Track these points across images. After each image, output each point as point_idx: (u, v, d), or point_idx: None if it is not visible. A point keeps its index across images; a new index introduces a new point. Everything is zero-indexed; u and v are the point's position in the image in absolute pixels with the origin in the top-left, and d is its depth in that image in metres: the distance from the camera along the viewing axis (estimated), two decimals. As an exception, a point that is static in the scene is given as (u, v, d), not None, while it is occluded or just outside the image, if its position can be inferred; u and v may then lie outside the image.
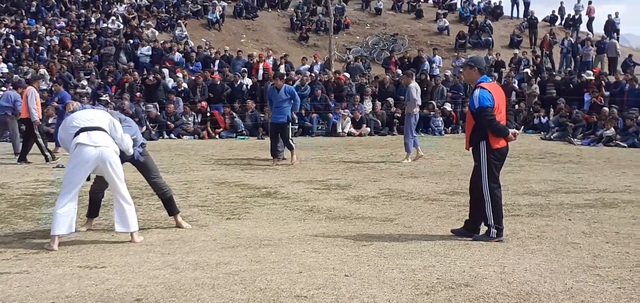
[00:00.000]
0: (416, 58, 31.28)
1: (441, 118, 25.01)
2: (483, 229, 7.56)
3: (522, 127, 24.52)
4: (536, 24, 37.13)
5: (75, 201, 7.34)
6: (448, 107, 25.53)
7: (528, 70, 28.90)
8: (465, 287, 5.64)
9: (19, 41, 30.18)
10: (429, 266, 6.33)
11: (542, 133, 23.75)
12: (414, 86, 16.10)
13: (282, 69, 28.15)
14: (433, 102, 25.45)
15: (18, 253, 7.04)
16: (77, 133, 7.34)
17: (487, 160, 7.42)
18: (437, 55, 31.81)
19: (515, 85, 27.42)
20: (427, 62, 30.40)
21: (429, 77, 27.47)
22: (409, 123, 15.81)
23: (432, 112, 24.99)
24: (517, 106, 26.11)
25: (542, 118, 24.86)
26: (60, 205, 7.22)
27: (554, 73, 29.31)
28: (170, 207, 8.38)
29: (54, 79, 26.22)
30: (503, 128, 7.48)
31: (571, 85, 26.02)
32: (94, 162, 7.26)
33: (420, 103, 16.24)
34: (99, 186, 8.08)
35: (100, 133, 7.38)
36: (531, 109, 25.71)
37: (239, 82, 26.39)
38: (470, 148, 7.62)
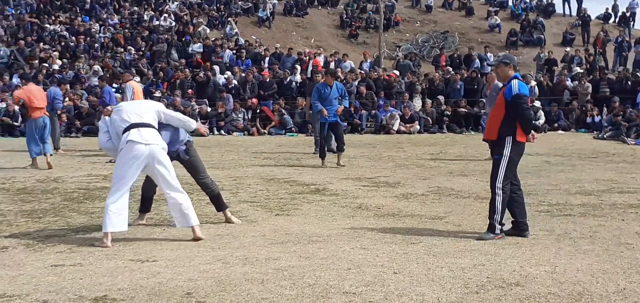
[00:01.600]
0: (466, 56, 31.02)
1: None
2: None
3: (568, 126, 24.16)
4: (589, 22, 36.46)
5: (127, 198, 7.34)
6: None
7: (579, 68, 28.43)
8: (515, 286, 5.58)
9: (73, 38, 30.72)
10: (479, 265, 6.28)
11: (595, 132, 23.34)
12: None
13: (332, 66, 28.20)
14: (483, 100, 25.19)
15: (72, 246, 7.17)
16: (127, 129, 7.32)
17: (509, 156, 7.42)
18: (488, 52, 31.46)
19: (568, 83, 27.00)
20: (477, 60, 30.10)
21: (479, 75, 27.21)
22: None
23: (482, 111, 24.74)
24: (569, 105, 25.73)
25: (595, 117, 24.44)
26: (111, 202, 7.21)
27: (607, 72, 28.76)
28: (218, 204, 8.40)
29: (105, 76, 26.70)
30: (531, 122, 7.60)
31: (627, 84, 25.54)
32: (144, 160, 7.24)
33: None
34: (150, 184, 8.10)
35: (151, 130, 7.37)
36: (584, 108, 25.30)
37: (288, 79, 26.49)
38: (491, 141, 7.64)
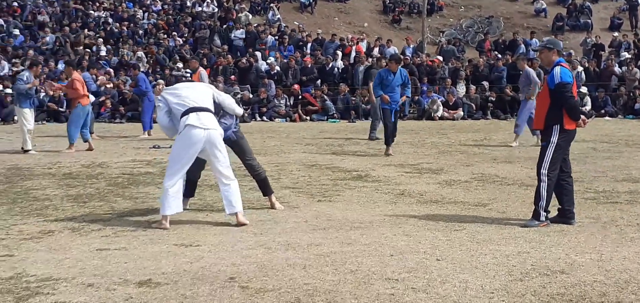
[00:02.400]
0: (511, 41, 30.64)
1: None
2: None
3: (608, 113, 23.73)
4: (637, 6, 35.68)
5: (183, 181, 7.50)
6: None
7: (627, 54, 27.90)
8: (560, 274, 5.50)
9: (117, 24, 31.05)
10: (523, 252, 6.21)
11: (643, 118, 22.95)
12: (531, 70, 15.85)
13: (376, 51, 28.08)
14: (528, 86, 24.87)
15: (116, 230, 7.26)
16: (185, 113, 7.36)
17: (556, 142, 7.32)
18: (534, 38, 31.00)
19: (616, 69, 26.52)
20: (523, 45, 29.69)
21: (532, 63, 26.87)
22: (526, 107, 15.44)
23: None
24: (617, 91, 25.29)
25: (643, 103, 24.02)
26: (169, 185, 7.31)
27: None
28: (265, 188, 8.44)
29: (151, 61, 26.98)
30: (578, 108, 7.49)
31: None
32: (201, 144, 7.30)
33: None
34: (195, 169, 8.08)
35: (209, 115, 7.42)
36: (632, 94, 24.84)
37: (330, 65, 26.46)
38: (539, 130, 7.53)
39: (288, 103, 24.44)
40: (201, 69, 16.99)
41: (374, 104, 16.59)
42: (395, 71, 14.28)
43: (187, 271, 5.65)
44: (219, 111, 7.89)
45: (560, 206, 7.55)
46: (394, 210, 8.34)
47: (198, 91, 7.65)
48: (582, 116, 7.54)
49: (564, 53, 28.68)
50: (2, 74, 25.41)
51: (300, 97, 24.79)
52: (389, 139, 14.13)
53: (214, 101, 7.72)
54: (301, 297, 4.98)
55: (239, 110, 8.20)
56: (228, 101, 7.96)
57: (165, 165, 11.98)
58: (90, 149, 14.91)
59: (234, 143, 8.21)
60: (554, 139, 7.33)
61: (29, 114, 14.55)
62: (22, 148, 14.39)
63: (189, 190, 8.38)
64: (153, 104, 19.16)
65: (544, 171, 7.34)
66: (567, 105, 7.31)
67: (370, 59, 26.60)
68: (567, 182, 7.55)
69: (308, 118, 23.85)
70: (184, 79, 24.63)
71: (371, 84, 16.16)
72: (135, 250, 6.38)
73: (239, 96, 20.01)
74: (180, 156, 7.38)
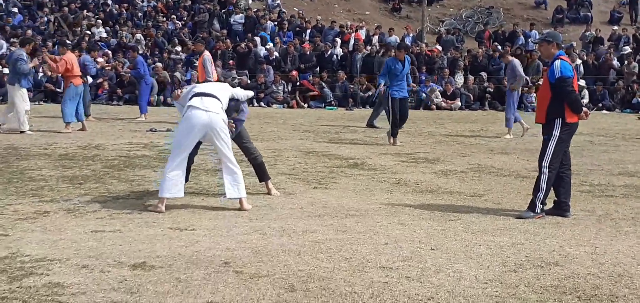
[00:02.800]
0: (511, 32, 30.58)
1: (534, 94, 24.42)
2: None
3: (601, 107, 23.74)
4: (637, 0, 35.66)
5: (184, 165, 7.45)
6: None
7: (628, 48, 27.87)
8: (554, 266, 5.51)
9: (116, 6, 30.95)
10: (517, 243, 6.22)
11: (640, 112, 22.95)
12: (517, 62, 15.88)
13: (375, 40, 28.04)
14: (527, 78, 24.86)
15: (112, 212, 7.26)
16: (191, 98, 7.42)
17: (558, 136, 7.33)
18: (533, 29, 30.95)
19: (614, 63, 26.50)
20: (522, 37, 29.66)
21: (523, 52, 26.83)
22: (512, 98, 15.51)
23: (525, 88, 24.43)
24: (615, 85, 25.27)
25: (640, 98, 24.01)
26: (169, 168, 7.31)
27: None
28: (261, 173, 8.44)
29: (150, 44, 26.93)
30: (579, 102, 7.51)
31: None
32: (203, 127, 7.29)
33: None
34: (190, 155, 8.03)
35: (213, 100, 7.40)
36: (629, 88, 24.83)
37: (329, 53, 26.42)
38: (542, 123, 7.53)
39: (286, 89, 24.40)
40: (206, 53, 16.80)
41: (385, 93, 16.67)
42: (403, 59, 14.22)
43: (181, 255, 5.65)
44: (238, 107, 8.00)
45: (556, 198, 7.56)
46: (389, 199, 8.35)
47: (212, 85, 7.81)
48: (584, 109, 7.54)
49: (564, 46, 28.78)
50: (0, 53, 25.33)
51: (298, 84, 24.75)
52: (397, 129, 13.99)
53: (232, 98, 7.76)
54: (295, 283, 4.98)
55: (250, 92, 8.37)
56: (242, 93, 8.05)
57: (162, 148, 12.04)
58: (83, 129, 15.00)
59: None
60: (556, 132, 7.33)
61: (25, 94, 14.50)
62: (21, 130, 14.27)
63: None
64: (150, 87, 19.16)
65: (545, 164, 7.35)
66: (568, 99, 7.31)
67: (369, 47, 26.57)
68: (566, 174, 7.55)
69: (306, 104, 23.81)
70: (180, 62, 24.64)
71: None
72: (130, 233, 6.38)
73: (236, 81, 20.02)
74: (181, 141, 7.39)
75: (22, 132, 14.20)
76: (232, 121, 7.83)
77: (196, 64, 24.01)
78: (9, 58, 14.86)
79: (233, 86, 8.35)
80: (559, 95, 7.31)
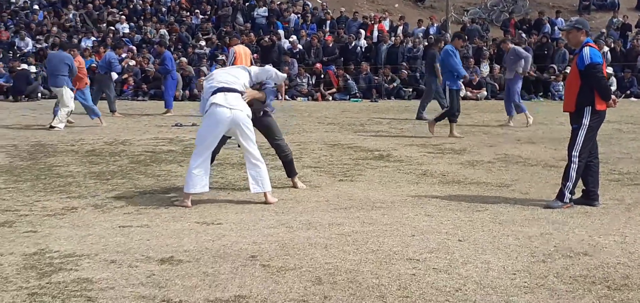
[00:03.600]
0: (537, 20, 30.31)
1: (562, 83, 24.19)
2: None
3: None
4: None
5: (209, 161, 7.48)
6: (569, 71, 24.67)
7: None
8: (583, 256, 5.46)
9: (141, 1, 31.10)
10: (546, 233, 6.17)
11: (669, 99, 22.65)
12: (518, 47, 15.90)
13: (399, 31, 27.94)
14: (554, 66, 24.66)
15: (139, 207, 7.30)
16: (213, 93, 7.37)
17: (588, 124, 7.25)
18: (559, 17, 30.66)
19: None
20: (548, 25, 29.38)
21: (550, 41, 26.59)
22: (517, 86, 15.60)
23: (552, 76, 24.23)
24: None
25: (669, 84, 23.70)
26: (194, 164, 7.31)
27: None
28: (290, 169, 8.40)
29: (174, 39, 27.04)
30: (609, 88, 7.42)
31: None
32: (227, 124, 7.27)
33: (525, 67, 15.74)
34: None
35: (236, 95, 7.37)
36: (658, 75, 24.54)
37: (353, 44, 26.36)
38: (570, 111, 7.45)
39: (310, 82, 24.38)
40: (237, 46, 17.01)
41: (433, 85, 16.83)
42: (460, 48, 14.20)
43: (208, 249, 5.67)
44: (273, 87, 7.99)
45: (584, 188, 7.49)
46: (416, 190, 8.31)
47: (230, 73, 7.62)
48: (613, 96, 7.46)
49: (593, 35, 28.47)
50: (26, 50, 25.57)
51: (322, 76, 24.70)
52: (455, 119, 13.81)
53: (253, 82, 7.70)
54: (322, 276, 4.98)
55: (282, 74, 8.09)
56: (267, 74, 7.85)
57: (187, 143, 12.09)
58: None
59: (259, 121, 8.00)
60: (586, 121, 7.25)
61: (70, 94, 14.77)
62: (50, 125, 14.59)
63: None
64: (176, 82, 19.27)
65: (575, 154, 7.27)
66: (598, 86, 7.22)
67: (393, 38, 26.44)
68: (594, 163, 7.48)
69: (330, 97, 23.78)
70: (204, 57, 24.72)
71: (437, 65, 16.12)
72: (158, 228, 6.41)
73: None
74: (205, 136, 7.38)
75: (51, 127, 14.42)
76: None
77: (220, 58, 24.18)
78: (56, 61, 15.01)
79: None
80: (589, 82, 7.23)
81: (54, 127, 14.43)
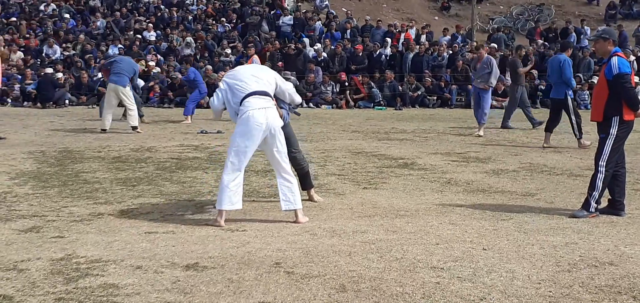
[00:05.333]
0: (563, 29, 30.12)
1: (588, 92, 24.01)
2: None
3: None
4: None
5: (242, 173, 6.94)
6: (595, 80, 24.47)
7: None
8: (609, 266, 5.42)
9: (167, 10, 31.33)
10: (571, 243, 6.13)
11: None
12: (493, 60, 15.70)
13: (423, 39, 27.91)
14: (580, 75, 24.49)
15: (164, 214, 7.35)
16: (246, 97, 6.90)
17: (616, 134, 7.22)
18: (585, 26, 30.46)
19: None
20: (574, 34, 29.20)
21: (575, 50, 26.39)
22: (487, 95, 15.51)
23: (578, 86, 24.03)
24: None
25: (698, 93, 23.42)
26: (228, 178, 6.83)
27: None
28: (305, 182, 8.06)
29: (200, 47, 27.20)
30: (637, 98, 7.32)
31: None
32: (263, 130, 6.80)
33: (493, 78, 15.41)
34: None
35: (268, 100, 6.99)
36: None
37: (377, 52, 26.35)
38: (598, 121, 7.41)
39: (334, 90, 24.41)
40: (253, 57, 17.72)
41: (515, 93, 16.81)
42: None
43: (233, 255, 5.70)
44: (292, 103, 7.67)
45: (610, 197, 7.44)
46: (440, 199, 8.30)
47: (260, 75, 7.14)
48: None
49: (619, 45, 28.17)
50: (54, 57, 25.84)
51: (347, 84, 24.70)
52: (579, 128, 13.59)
53: (276, 88, 7.27)
54: (346, 283, 4.99)
55: (298, 98, 7.73)
56: (290, 90, 7.50)
57: (212, 150, 12.15)
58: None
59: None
60: (614, 131, 7.21)
61: (131, 93, 15.80)
62: (132, 126, 15.56)
63: None
64: (203, 96, 19.42)
65: (602, 163, 7.24)
66: (626, 96, 7.18)
67: (418, 47, 26.39)
68: (621, 173, 7.44)
69: (354, 104, 23.80)
70: (229, 65, 24.81)
71: (520, 70, 16.74)
72: (183, 234, 6.46)
73: (292, 79, 19.99)
74: (240, 147, 6.85)
75: (134, 128, 15.54)
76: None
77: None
78: (125, 64, 16.03)
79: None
80: (617, 92, 7.18)
81: (135, 128, 15.50)
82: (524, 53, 16.33)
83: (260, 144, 6.96)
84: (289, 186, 7.00)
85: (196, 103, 18.96)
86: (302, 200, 7.30)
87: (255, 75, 7.12)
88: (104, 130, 15.32)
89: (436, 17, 34.66)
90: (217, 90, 7.24)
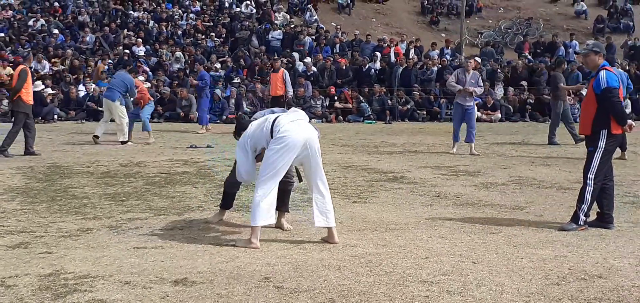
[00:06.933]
0: (551, 43, 30.29)
1: (578, 105, 24.11)
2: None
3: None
4: (681, 8, 35.16)
5: (276, 190, 6.60)
6: (585, 92, 24.57)
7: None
8: (598, 279, 5.43)
9: (156, 25, 31.31)
10: (560, 256, 6.14)
11: (685, 122, 22.50)
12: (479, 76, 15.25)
13: (412, 53, 28.01)
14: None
15: (153, 229, 7.32)
16: (277, 117, 6.67)
17: (604, 147, 7.25)
18: (573, 40, 30.63)
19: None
20: (562, 47, 29.35)
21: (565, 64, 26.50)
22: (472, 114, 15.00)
23: (568, 97, 24.12)
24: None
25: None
26: (262, 195, 6.47)
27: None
28: (283, 201, 7.25)
29: (190, 61, 27.21)
30: (625, 113, 7.43)
31: None
32: (299, 148, 6.55)
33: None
34: (234, 180, 7.45)
35: (303, 115, 6.92)
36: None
37: (367, 67, 26.42)
38: (586, 134, 7.47)
39: (324, 104, 24.45)
40: (283, 69, 18.82)
41: (556, 108, 16.63)
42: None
43: (222, 270, 5.68)
44: None
45: (599, 210, 7.46)
46: (429, 212, 8.30)
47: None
48: (629, 121, 7.45)
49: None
50: (43, 72, 25.78)
51: (336, 98, 24.76)
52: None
53: None
54: (335, 297, 4.98)
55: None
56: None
57: (202, 165, 12.13)
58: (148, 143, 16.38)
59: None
60: (602, 144, 7.25)
61: (124, 109, 16.05)
62: (121, 141, 15.87)
63: (227, 201, 7.84)
64: (210, 100, 20.05)
65: (590, 176, 7.27)
66: (614, 110, 7.23)
67: (407, 61, 26.44)
68: (609, 186, 7.47)
69: (343, 118, 23.84)
70: (220, 79, 24.85)
71: (561, 85, 16.63)
72: (172, 249, 6.43)
73: (290, 94, 20.03)
74: (275, 162, 6.48)
75: (123, 142, 15.70)
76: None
77: (235, 81, 24.40)
78: (118, 78, 16.44)
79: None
80: (605, 106, 7.22)
81: (126, 142, 15.83)
82: (565, 67, 15.94)
83: (298, 158, 6.71)
84: (324, 201, 6.72)
85: (207, 110, 19.67)
86: (299, 209, 7.41)
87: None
88: (96, 137, 15.85)
89: (426, 32, 34.78)
90: (240, 150, 6.94)
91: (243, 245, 6.48)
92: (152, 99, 17.98)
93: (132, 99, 16.66)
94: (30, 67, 14.88)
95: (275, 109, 7.20)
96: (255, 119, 7.04)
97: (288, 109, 7.27)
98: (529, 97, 24.82)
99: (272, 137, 6.57)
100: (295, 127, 6.61)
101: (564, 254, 6.22)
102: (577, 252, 6.30)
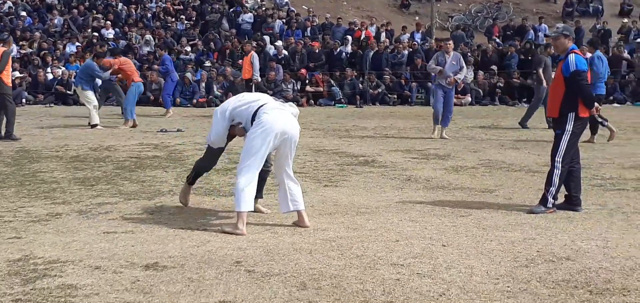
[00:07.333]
0: (520, 26, 30.50)
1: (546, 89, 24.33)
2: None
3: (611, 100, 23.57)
4: (649, -8, 35.51)
5: (257, 177, 6.62)
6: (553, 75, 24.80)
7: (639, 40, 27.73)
8: (566, 261, 5.51)
9: (125, 7, 31.02)
10: (529, 238, 6.21)
11: (652, 105, 22.82)
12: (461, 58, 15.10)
13: (383, 36, 28.06)
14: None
15: (123, 213, 7.28)
16: (260, 106, 6.65)
17: (571, 130, 7.34)
18: (543, 23, 30.86)
19: (626, 55, 26.33)
20: (532, 31, 29.57)
21: (533, 47, 26.74)
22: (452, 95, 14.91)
23: (536, 83, 24.32)
24: (626, 78, 25.14)
25: (652, 90, 23.88)
26: (245, 182, 6.45)
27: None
28: (259, 187, 7.12)
29: (159, 44, 26.99)
30: (592, 96, 7.51)
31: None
32: (280, 135, 6.53)
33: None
34: (206, 162, 7.52)
35: (293, 111, 6.91)
36: (640, 81, 24.74)
37: (338, 50, 26.41)
38: (553, 118, 7.59)
39: (295, 88, 24.41)
40: (253, 52, 18.93)
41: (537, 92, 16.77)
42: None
43: (193, 255, 5.67)
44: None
45: (567, 193, 7.55)
46: (400, 196, 8.35)
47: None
48: (596, 104, 7.54)
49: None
50: (11, 56, 25.41)
51: (307, 82, 24.74)
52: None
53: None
54: (307, 281, 4.99)
55: (297, 110, 7.28)
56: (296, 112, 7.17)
57: (172, 149, 12.07)
58: (134, 126, 16.37)
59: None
60: (569, 127, 7.33)
61: (91, 94, 16.08)
62: (89, 124, 15.85)
63: (195, 179, 7.75)
64: (175, 84, 20.38)
65: (558, 159, 7.35)
66: (582, 93, 7.31)
67: (379, 44, 26.48)
68: (575, 169, 7.56)
69: (314, 102, 23.86)
70: (190, 63, 24.71)
71: (540, 70, 16.62)
72: (142, 233, 6.41)
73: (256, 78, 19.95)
74: (256, 145, 6.47)
75: (93, 126, 15.76)
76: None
77: (206, 64, 24.31)
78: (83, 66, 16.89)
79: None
80: (573, 89, 7.30)
81: (94, 125, 15.76)
82: (552, 52, 15.92)
83: (277, 145, 6.69)
84: (295, 188, 6.77)
85: (171, 94, 19.85)
86: (269, 194, 7.38)
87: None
88: (94, 125, 15.85)
89: (396, 15, 34.82)
90: (217, 119, 7.02)
91: (230, 231, 6.43)
92: (141, 81, 17.87)
93: (106, 78, 16.83)
94: (10, 51, 14.59)
95: (260, 94, 7.20)
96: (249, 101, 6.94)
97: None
98: (499, 81, 24.99)
99: (253, 120, 6.60)
100: (278, 114, 6.64)
101: (533, 236, 6.29)
102: (545, 235, 6.37)
